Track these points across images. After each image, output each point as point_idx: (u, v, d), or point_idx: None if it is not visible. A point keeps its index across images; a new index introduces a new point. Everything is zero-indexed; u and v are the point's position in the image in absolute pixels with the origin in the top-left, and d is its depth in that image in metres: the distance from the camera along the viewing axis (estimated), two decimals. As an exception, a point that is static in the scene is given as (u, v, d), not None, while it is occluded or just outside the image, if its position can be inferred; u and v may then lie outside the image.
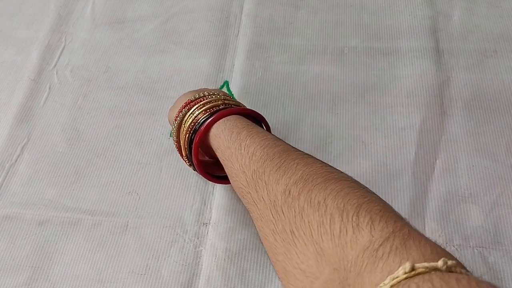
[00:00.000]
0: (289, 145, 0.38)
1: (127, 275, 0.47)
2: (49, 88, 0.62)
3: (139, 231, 0.49)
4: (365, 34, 0.64)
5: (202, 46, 0.65)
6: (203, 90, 0.47)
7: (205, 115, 0.43)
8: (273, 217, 0.32)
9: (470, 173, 0.51)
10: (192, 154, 0.44)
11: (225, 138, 0.40)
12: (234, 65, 0.62)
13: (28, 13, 0.70)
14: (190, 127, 0.44)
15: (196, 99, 0.45)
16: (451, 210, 0.49)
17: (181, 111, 0.45)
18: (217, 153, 0.42)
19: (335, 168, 0.34)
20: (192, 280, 0.46)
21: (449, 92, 0.58)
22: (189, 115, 0.44)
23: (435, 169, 0.52)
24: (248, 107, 0.58)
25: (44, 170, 0.54)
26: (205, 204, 0.51)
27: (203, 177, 0.46)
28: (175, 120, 0.46)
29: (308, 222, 0.29)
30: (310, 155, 0.36)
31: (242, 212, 0.50)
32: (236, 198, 0.51)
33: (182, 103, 0.46)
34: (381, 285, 0.23)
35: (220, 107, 0.44)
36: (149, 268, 0.47)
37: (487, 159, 0.52)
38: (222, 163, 0.42)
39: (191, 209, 0.51)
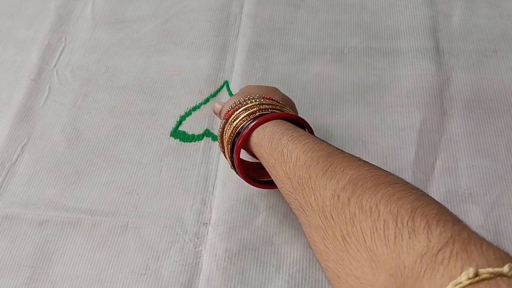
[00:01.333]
0: (333, 147, 0.37)
1: (127, 275, 0.47)
2: (49, 88, 0.62)
3: (139, 231, 0.49)
4: (365, 34, 0.64)
5: (202, 46, 0.65)
6: (242, 94, 0.46)
7: (243, 124, 0.43)
8: (322, 223, 0.32)
9: (470, 173, 0.51)
10: (235, 166, 0.44)
11: (266, 145, 0.40)
12: (234, 65, 0.62)
13: (28, 13, 0.70)
14: (230, 138, 0.44)
15: (232, 109, 0.45)
16: (451, 210, 0.49)
17: (221, 122, 0.46)
18: (260, 161, 0.42)
19: (383, 170, 0.33)
20: (192, 280, 0.46)
21: (449, 92, 0.58)
22: (228, 126, 0.44)
23: (435, 169, 0.52)
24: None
25: (44, 170, 0.54)
26: (205, 204, 0.51)
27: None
28: (219, 129, 0.46)
29: (361, 228, 0.28)
30: (356, 157, 0.35)
31: (242, 212, 0.50)
32: (236, 198, 0.51)
33: (227, 108, 0.46)
34: None
35: (257, 114, 0.43)
36: (149, 268, 0.47)
37: (487, 159, 0.52)
38: (267, 170, 0.41)
39: (191, 209, 0.51)
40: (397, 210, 0.28)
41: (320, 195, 0.33)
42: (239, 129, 0.43)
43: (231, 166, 0.46)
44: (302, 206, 0.35)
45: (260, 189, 0.48)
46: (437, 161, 0.52)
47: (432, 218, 0.27)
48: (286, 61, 0.62)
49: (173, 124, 0.57)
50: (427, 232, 0.26)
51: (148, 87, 0.61)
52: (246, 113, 0.44)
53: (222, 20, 0.67)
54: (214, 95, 0.60)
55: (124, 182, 0.53)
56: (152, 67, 0.63)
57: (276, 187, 0.42)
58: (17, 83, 0.62)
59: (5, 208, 0.52)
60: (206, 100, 0.59)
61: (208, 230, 0.49)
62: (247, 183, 0.45)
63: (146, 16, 0.69)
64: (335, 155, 0.35)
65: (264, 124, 0.42)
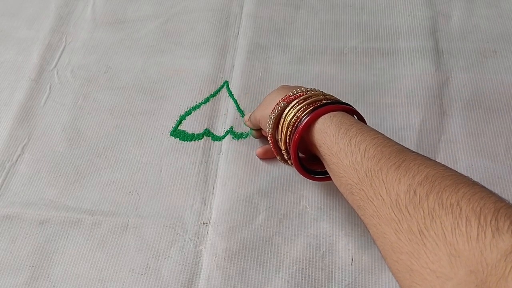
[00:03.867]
0: (403, 145, 0.38)
1: (127, 275, 0.47)
2: (50, 88, 0.62)
3: (139, 231, 0.50)
4: (364, 34, 0.64)
5: (202, 47, 0.65)
6: (298, 87, 0.47)
7: (309, 109, 0.43)
8: (395, 215, 0.32)
9: (470, 173, 0.51)
10: (291, 145, 0.43)
11: (332, 133, 0.40)
12: (234, 66, 0.62)
13: (28, 13, 0.70)
14: (294, 120, 0.43)
15: (294, 94, 0.45)
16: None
17: (279, 104, 0.45)
18: (320, 149, 0.42)
19: (458, 172, 0.33)
20: (192, 279, 0.46)
21: (449, 92, 0.58)
22: (291, 108, 0.44)
23: (435, 169, 0.52)
24: (248, 107, 0.58)
25: (44, 170, 0.55)
26: (205, 204, 0.51)
27: (297, 170, 0.45)
28: (272, 113, 0.45)
29: (441, 224, 0.29)
30: (427, 157, 0.36)
31: (242, 212, 0.50)
32: (236, 198, 0.51)
33: (278, 98, 0.46)
34: None
35: (323, 101, 0.43)
36: (149, 268, 0.47)
37: (487, 159, 0.52)
38: (325, 158, 0.41)
39: (191, 209, 0.51)
40: (480, 209, 0.28)
41: (393, 188, 0.33)
42: (305, 113, 0.42)
43: (282, 151, 0.46)
44: (370, 198, 0.35)
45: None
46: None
47: None
48: (286, 61, 0.62)
49: (173, 124, 0.57)
50: None
51: (148, 87, 0.61)
52: (312, 99, 0.43)
53: (222, 21, 0.67)
54: (214, 95, 0.60)
55: (124, 182, 0.53)
56: (152, 67, 0.63)
57: (326, 180, 0.44)
58: (18, 83, 0.62)
59: (6, 207, 0.52)
60: (206, 100, 0.59)
61: (208, 230, 0.49)
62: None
63: (147, 16, 0.69)
64: (407, 152, 0.36)
65: (331, 113, 0.42)
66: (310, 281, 0.45)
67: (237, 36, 0.65)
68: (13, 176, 0.54)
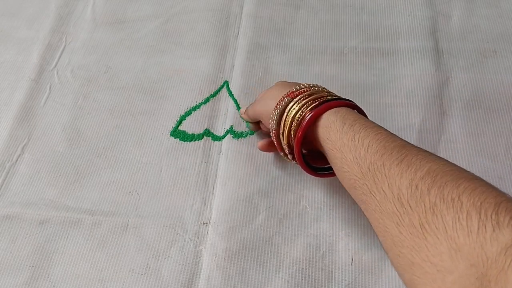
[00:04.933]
0: (406, 141, 0.38)
1: (127, 275, 0.47)
2: (50, 88, 0.62)
3: (139, 231, 0.50)
4: (364, 34, 0.64)
5: (202, 47, 0.65)
6: (298, 83, 0.47)
7: (314, 104, 0.43)
8: (397, 209, 0.32)
9: (470, 173, 0.51)
10: (295, 142, 0.44)
11: (336, 128, 0.40)
12: (234, 66, 0.62)
13: (28, 13, 0.70)
14: (298, 115, 0.43)
15: (298, 90, 0.45)
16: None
17: (283, 100, 0.45)
18: (323, 143, 0.42)
19: (459, 166, 0.34)
20: (192, 279, 0.46)
21: (449, 92, 0.58)
22: (295, 103, 0.44)
23: (435, 169, 0.52)
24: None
25: (44, 170, 0.55)
26: (205, 204, 0.51)
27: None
28: (276, 109, 0.45)
29: (442, 218, 0.29)
30: (429, 151, 0.36)
31: (242, 212, 0.50)
32: (236, 198, 0.51)
33: (281, 95, 0.46)
34: None
35: (328, 97, 0.44)
36: (149, 268, 0.47)
37: (487, 159, 0.52)
38: (329, 153, 0.41)
39: (191, 209, 0.51)
40: (481, 203, 0.28)
41: (395, 183, 0.33)
42: (309, 109, 0.43)
43: (284, 145, 0.46)
44: (373, 192, 0.35)
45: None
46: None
47: None
48: (286, 61, 0.62)
49: (173, 124, 0.57)
50: None
51: (148, 87, 0.61)
52: (316, 95, 0.44)
53: (222, 21, 0.67)
54: (214, 95, 0.60)
55: (124, 182, 0.53)
56: (152, 67, 0.63)
57: (330, 176, 0.43)
58: (18, 83, 0.62)
59: (6, 207, 0.52)
60: (206, 100, 0.59)
61: (208, 230, 0.49)
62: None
63: (147, 16, 0.69)
64: (409, 147, 0.36)
65: (336, 108, 0.42)
66: (310, 281, 0.45)
67: (237, 36, 0.65)
68: (13, 176, 0.54)
